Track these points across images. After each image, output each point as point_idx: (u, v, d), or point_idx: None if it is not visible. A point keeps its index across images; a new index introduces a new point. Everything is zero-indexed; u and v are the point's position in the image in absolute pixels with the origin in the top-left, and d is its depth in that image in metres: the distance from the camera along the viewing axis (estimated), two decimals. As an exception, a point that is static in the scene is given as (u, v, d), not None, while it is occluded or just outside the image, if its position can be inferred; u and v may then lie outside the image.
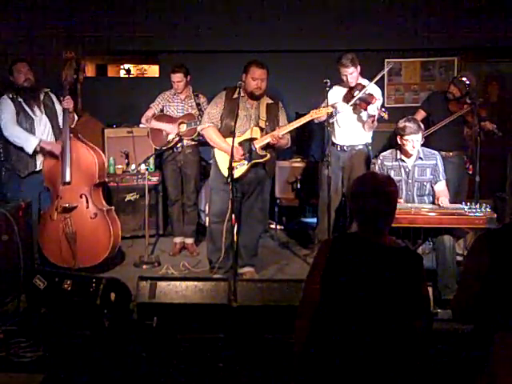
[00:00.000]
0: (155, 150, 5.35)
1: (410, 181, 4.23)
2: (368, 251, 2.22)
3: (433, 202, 4.21)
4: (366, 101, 4.57)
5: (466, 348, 2.28)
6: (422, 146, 4.28)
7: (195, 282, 3.74)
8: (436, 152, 4.33)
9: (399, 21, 6.20)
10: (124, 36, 6.39)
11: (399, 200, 4.04)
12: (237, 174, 4.26)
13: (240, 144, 4.33)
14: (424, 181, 4.23)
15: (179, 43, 6.34)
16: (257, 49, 5.92)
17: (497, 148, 5.69)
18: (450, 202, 4.18)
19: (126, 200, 5.69)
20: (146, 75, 8.42)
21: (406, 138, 4.12)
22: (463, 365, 2.28)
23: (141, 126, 5.60)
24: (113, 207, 4.93)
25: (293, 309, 2.38)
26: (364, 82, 4.70)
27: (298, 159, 5.95)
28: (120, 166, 5.80)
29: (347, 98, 4.71)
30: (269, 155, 4.40)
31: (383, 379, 2.13)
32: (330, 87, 4.49)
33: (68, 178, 4.58)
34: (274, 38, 6.18)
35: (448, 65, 6.51)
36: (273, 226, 6.01)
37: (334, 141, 4.81)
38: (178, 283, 3.73)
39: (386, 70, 4.95)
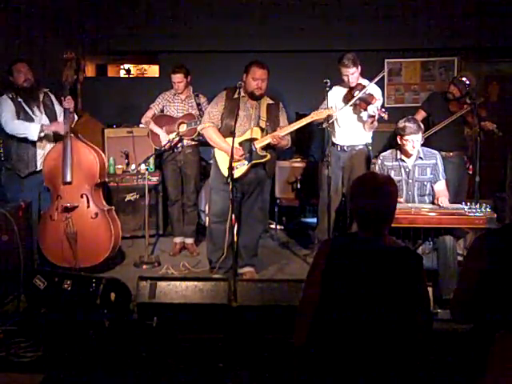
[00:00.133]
0: (155, 149, 5.35)
1: (410, 181, 4.23)
2: (368, 251, 2.22)
3: (432, 202, 4.21)
4: (366, 101, 4.57)
5: (466, 348, 2.28)
6: (422, 145, 4.28)
7: (195, 282, 3.74)
8: (436, 152, 4.33)
9: (399, 21, 6.21)
10: (124, 36, 6.40)
11: (399, 200, 4.04)
12: (237, 174, 4.26)
13: (240, 144, 4.33)
14: (424, 180, 4.23)
15: (179, 43, 6.35)
16: (257, 49, 5.93)
17: (497, 148, 5.70)
18: (450, 202, 4.18)
19: (125, 200, 5.69)
20: (145, 75, 8.44)
21: (406, 137, 4.12)
22: (463, 365, 2.28)
23: (141, 126, 5.60)
24: (113, 207, 4.94)
25: (293, 309, 2.39)
26: (364, 82, 4.70)
27: (298, 159, 5.95)
28: (120, 166, 5.80)
29: (347, 98, 4.71)
30: (269, 155, 4.40)
31: (383, 379, 2.13)
32: (330, 87, 4.49)
33: (69, 178, 4.59)
34: (274, 38, 6.19)
35: (448, 65, 6.52)
36: (273, 226, 6.01)
37: (334, 141, 4.81)
38: (177, 283, 3.73)
39: (385, 71, 4.94)
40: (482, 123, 4.92)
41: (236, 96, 4.28)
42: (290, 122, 4.58)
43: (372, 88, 4.69)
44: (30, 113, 4.63)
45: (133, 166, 5.75)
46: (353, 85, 4.66)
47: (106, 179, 5.10)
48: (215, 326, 3.55)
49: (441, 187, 4.25)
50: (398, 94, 6.61)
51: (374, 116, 4.54)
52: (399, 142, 4.20)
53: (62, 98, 4.64)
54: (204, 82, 5.52)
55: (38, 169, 4.66)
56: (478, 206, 3.95)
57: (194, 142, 5.18)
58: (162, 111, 5.24)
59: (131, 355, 3.33)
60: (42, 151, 4.67)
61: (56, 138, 4.73)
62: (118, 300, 3.74)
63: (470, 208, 3.94)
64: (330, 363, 2.16)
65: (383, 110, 4.57)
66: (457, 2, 6.15)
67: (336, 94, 4.75)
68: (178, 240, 5.42)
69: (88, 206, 4.65)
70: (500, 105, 6.41)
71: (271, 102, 4.46)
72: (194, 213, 5.41)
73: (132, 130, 5.87)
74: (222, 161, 4.38)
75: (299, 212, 6.33)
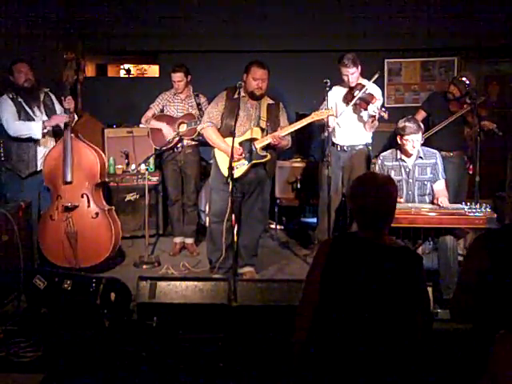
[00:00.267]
0: (155, 149, 5.35)
1: (410, 180, 4.24)
2: (368, 251, 2.22)
3: (432, 202, 4.21)
4: (366, 100, 4.57)
5: (466, 348, 2.28)
6: (422, 145, 4.29)
7: (195, 282, 3.74)
8: (436, 151, 4.34)
9: (399, 21, 6.20)
10: (124, 36, 6.39)
11: (399, 200, 4.04)
12: (237, 174, 4.26)
13: (240, 144, 4.33)
14: (424, 180, 4.23)
15: (179, 43, 6.35)
16: (257, 49, 5.93)
17: (497, 148, 5.69)
18: (451, 202, 4.18)
19: (125, 200, 5.69)
20: (145, 75, 8.43)
21: (406, 137, 4.12)
22: (463, 365, 2.28)
23: (141, 126, 5.60)
24: (113, 207, 4.94)
25: (293, 309, 2.38)
26: (364, 82, 4.70)
27: (298, 159, 5.95)
28: (120, 166, 5.80)
29: (347, 98, 4.71)
30: (269, 156, 4.40)
31: (383, 379, 2.13)
32: (330, 87, 4.48)
33: (69, 178, 4.59)
34: (274, 38, 6.18)
35: (448, 65, 6.51)
36: (273, 226, 6.01)
37: (334, 141, 4.81)
38: (177, 283, 3.73)
39: (383, 71, 4.92)
40: (482, 123, 4.93)
41: (236, 96, 4.28)
42: (290, 122, 4.58)
43: (372, 88, 4.69)
44: (31, 113, 4.63)
45: (133, 166, 5.75)
46: (353, 85, 4.66)
47: (106, 179, 5.10)
48: (215, 326, 3.55)
49: (440, 187, 4.26)
50: (398, 94, 6.61)
51: (374, 116, 4.54)
52: (399, 142, 4.20)
53: (63, 98, 4.65)
54: (204, 82, 5.52)
55: (39, 169, 4.66)
56: (477, 206, 3.95)
57: (193, 142, 5.18)
58: (162, 111, 5.24)
59: (131, 355, 3.33)
60: (43, 151, 4.67)
61: (56, 137, 4.73)
62: (118, 300, 3.74)
63: (470, 208, 3.95)
64: (329, 363, 2.16)
65: (383, 109, 4.57)
66: (457, 2, 6.15)
67: (336, 93, 4.75)
68: (177, 240, 5.42)
69: (88, 206, 4.66)
70: (500, 105, 6.40)
71: (271, 102, 4.46)
72: (194, 213, 5.40)
73: (132, 129, 5.87)
74: (222, 161, 4.38)
75: (299, 212, 6.33)
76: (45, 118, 4.70)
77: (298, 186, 5.78)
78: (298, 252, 5.42)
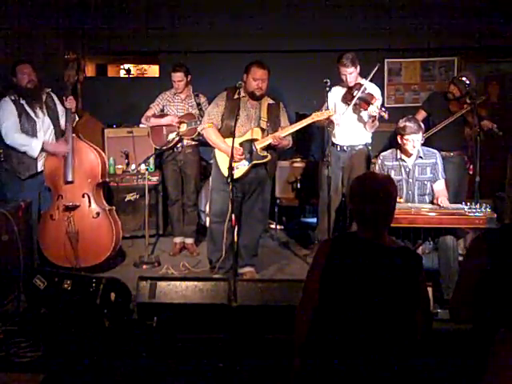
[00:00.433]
0: (155, 149, 5.35)
1: (410, 180, 4.24)
2: (367, 251, 2.22)
3: (431, 202, 4.21)
4: (366, 100, 4.57)
5: (466, 348, 2.28)
6: (422, 145, 4.29)
7: (195, 282, 3.74)
8: (436, 151, 4.34)
9: (399, 21, 6.20)
10: (124, 36, 6.39)
11: (399, 200, 4.04)
12: (238, 174, 4.27)
13: (241, 144, 4.33)
14: (424, 180, 4.23)
15: (179, 43, 6.34)
16: (257, 49, 5.92)
17: (497, 148, 5.69)
18: (451, 202, 4.18)
19: (125, 200, 5.69)
20: (146, 75, 8.43)
21: (406, 137, 4.12)
22: (463, 365, 2.28)
23: (141, 125, 5.60)
24: (114, 207, 4.94)
25: (293, 309, 2.38)
26: (363, 81, 4.69)
27: (298, 159, 5.95)
28: (120, 166, 5.80)
29: (347, 98, 4.71)
30: (270, 156, 4.40)
31: (383, 379, 2.13)
32: (330, 88, 4.48)
33: (70, 178, 4.59)
34: (274, 38, 6.18)
35: (448, 65, 6.52)
36: (273, 226, 6.01)
37: (334, 141, 4.81)
38: (178, 283, 3.73)
39: (379, 67, 4.86)
40: (482, 123, 4.93)
41: (236, 96, 4.28)
42: (291, 121, 4.58)
43: (371, 87, 4.69)
44: (33, 115, 4.62)
45: (133, 166, 5.75)
46: (351, 84, 4.66)
47: (107, 179, 5.10)
48: (215, 326, 3.55)
49: (440, 187, 4.26)
50: (398, 94, 6.61)
51: (374, 116, 4.54)
52: (399, 142, 4.20)
53: (64, 98, 4.65)
54: (204, 82, 5.52)
55: (39, 170, 4.66)
56: (477, 206, 3.95)
57: (194, 142, 5.18)
58: (162, 111, 5.24)
59: (131, 355, 3.33)
60: (43, 153, 4.66)
61: (57, 138, 4.73)
62: (118, 300, 3.74)
63: (470, 208, 3.95)
64: (330, 363, 2.16)
65: (383, 109, 4.57)
66: (457, 2, 6.15)
67: (335, 93, 4.75)
68: (178, 240, 5.42)
69: (89, 206, 4.66)
70: (500, 105, 6.40)
71: (272, 102, 4.46)
72: (194, 213, 5.40)
73: (132, 129, 5.87)
74: (222, 161, 4.38)
75: (299, 212, 6.33)
76: (47, 119, 4.69)
77: (298, 186, 5.78)
78: (298, 252, 5.42)
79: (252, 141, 4.36)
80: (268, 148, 4.39)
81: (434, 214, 3.97)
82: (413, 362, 2.19)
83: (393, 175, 4.16)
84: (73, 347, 3.38)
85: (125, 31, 6.34)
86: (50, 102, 4.75)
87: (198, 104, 5.17)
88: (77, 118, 4.86)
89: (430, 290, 3.19)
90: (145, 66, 8.47)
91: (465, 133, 5.14)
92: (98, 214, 4.67)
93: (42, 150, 4.59)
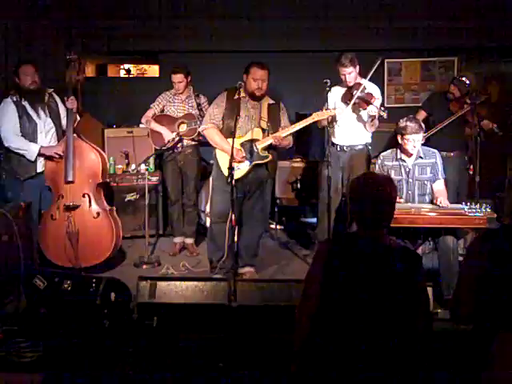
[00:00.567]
0: (155, 149, 5.35)
1: (410, 180, 4.24)
2: (367, 251, 2.22)
3: (431, 202, 4.21)
4: (366, 100, 4.56)
5: (466, 348, 2.28)
6: (422, 145, 4.29)
7: (195, 282, 3.74)
8: (436, 150, 4.34)
9: (399, 21, 6.20)
10: (124, 36, 6.39)
11: (399, 200, 4.04)
12: (239, 174, 4.27)
13: (242, 145, 4.33)
14: (424, 179, 4.23)
15: (179, 43, 6.34)
16: (257, 49, 5.93)
17: (497, 148, 5.69)
18: (451, 202, 4.18)
19: (126, 200, 5.69)
20: (146, 75, 8.41)
21: (407, 137, 4.12)
22: (463, 365, 2.28)
23: (141, 126, 5.60)
24: (114, 207, 4.94)
25: (293, 309, 2.38)
26: (362, 81, 4.69)
27: (298, 159, 5.95)
28: (120, 166, 5.80)
29: (347, 98, 4.70)
30: (271, 156, 4.40)
31: (383, 378, 2.13)
32: (330, 88, 4.48)
33: (71, 177, 4.59)
34: (274, 38, 6.18)
35: (448, 65, 6.52)
36: (273, 226, 6.01)
37: (334, 141, 4.80)
38: (178, 283, 3.73)
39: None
40: (482, 122, 4.93)
41: (237, 97, 4.28)
42: (291, 121, 4.58)
43: (370, 87, 4.69)
44: (35, 116, 4.62)
45: (133, 166, 5.76)
46: (350, 84, 4.66)
47: (108, 179, 5.10)
48: (215, 326, 3.55)
49: (440, 187, 4.25)
50: (398, 94, 6.61)
51: (374, 115, 4.54)
52: (400, 142, 4.20)
53: (66, 98, 4.65)
54: (204, 82, 5.52)
55: (39, 171, 4.66)
56: (477, 206, 3.95)
57: (194, 142, 5.18)
58: (163, 111, 5.24)
59: (131, 355, 3.33)
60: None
61: (59, 138, 4.73)
62: (118, 300, 3.74)
63: (470, 208, 3.95)
64: (330, 362, 2.16)
65: (382, 108, 4.57)
66: (457, 2, 6.15)
67: (335, 93, 4.75)
68: (178, 240, 5.42)
69: (90, 206, 4.66)
70: (500, 105, 6.40)
71: (272, 102, 4.46)
72: (194, 213, 5.41)
73: (132, 129, 5.88)
74: (223, 161, 4.38)
75: (299, 212, 6.33)
76: (49, 120, 4.70)
77: (298, 186, 5.78)
78: (298, 252, 5.42)
79: (253, 141, 4.37)
80: (269, 148, 4.39)
81: (434, 213, 3.97)
82: (413, 362, 2.18)
83: (393, 175, 4.16)
84: (73, 347, 3.38)
85: (125, 31, 6.34)
86: (52, 103, 4.75)
87: (199, 104, 5.17)
88: (78, 118, 4.86)
89: (429, 290, 3.20)
90: (145, 66, 8.46)
91: (465, 133, 5.14)
92: (98, 214, 4.67)
93: (40, 154, 4.59)
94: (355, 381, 2.13)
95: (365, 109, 4.58)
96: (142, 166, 5.34)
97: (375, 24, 6.17)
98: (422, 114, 5.16)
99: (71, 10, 6.16)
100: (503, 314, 2.12)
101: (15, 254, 4.02)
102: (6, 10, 5.32)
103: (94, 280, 3.73)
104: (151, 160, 5.61)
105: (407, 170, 4.23)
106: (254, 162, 4.36)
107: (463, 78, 5.03)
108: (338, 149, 4.83)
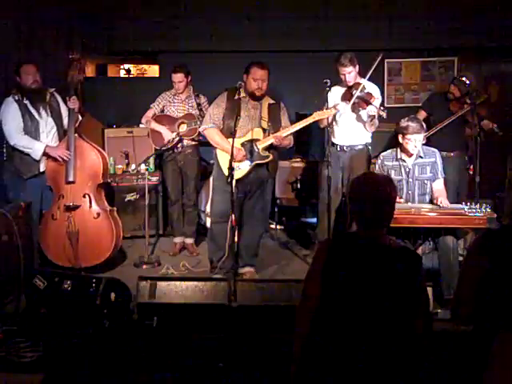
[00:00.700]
0: (155, 149, 5.35)
1: (410, 180, 4.24)
2: (367, 251, 2.22)
3: (430, 201, 4.21)
4: (365, 100, 4.56)
5: (467, 348, 2.28)
6: (422, 145, 4.28)
7: (195, 282, 3.74)
8: (435, 150, 4.34)
9: (400, 21, 6.20)
10: (124, 36, 6.39)
11: (399, 200, 4.04)
12: (239, 174, 4.27)
13: (242, 145, 4.33)
14: (424, 179, 4.23)
15: (179, 43, 6.35)
16: (257, 49, 5.93)
17: (497, 148, 5.69)
18: (451, 202, 4.18)
19: (126, 200, 5.69)
20: (146, 75, 8.42)
21: (408, 137, 4.12)
22: (463, 365, 2.28)
23: (141, 126, 5.60)
24: (115, 208, 4.94)
25: (293, 309, 2.38)
26: (362, 81, 4.69)
27: (298, 159, 5.95)
28: (120, 166, 5.80)
29: (346, 97, 4.70)
30: (271, 156, 4.40)
31: (383, 380, 2.13)
32: (330, 87, 4.48)
33: (72, 178, 4.59)
34: (274, 38, 6.18)
35: (448, 65, 6.52)
36: (273, 226, 6.01)
37: (334, 141, 4.80)
38: (178, 283, 3.73)
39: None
40: (482, 122, 4.93)
41: (237, 97, 4.28)
42: (291, 121, 4.58)
43: (370, 87, 4.69)
44: (36, 115, 4.62)
45: (133, 166, 5.76)
46: (350, 84, 4.66)
47: (109, 180, 5.10)
48: (215, 326, 3.55)
49: (439, 186, 4.25)
50: (398, 94, 6.62)
51: (373, 115, 4.54)
52: (401, 141, 4.20)
53: (67, 98, 4.65)
54: (204, 82, 5.51)
55: (42, 170, 4.66)
56: (477, 206, 3.95)
57: (194, 142, 5.18)
58: (163, 111, 5.24)
59: (131, 355, 3.33)
60: None
61: (60, 138, 4.74)
62: (118, 300, 3.74)
63: (470, 208, 3.94)
64: (330, 362, 2.16)
65: (382, 108, 4.57)
66: (457, 2, 6.15)
67: (335, 93, 4.75)
68: (178, 240, 5.42)
69: (90, 207, 4.66)
70: (500, 105, 6.40)
71: (272, 101, 4.46)
72: (194, 213, 5.41)
73: (132, 129, 5.88)
74: (224, 161, 4.37)
75: (299, 212, 6.32)
76: (50, 119, 4.69)
77: (298, 186, 5.78)
78: (298, 252, 5.42)
79: (253, 141, 4.36)
80: (269, 148, 4.39)
81: (434, 214, 3.97)
82: (413, 362, 2.18)
83: (393, 175, 4.16)
84: (73, 347, 3.38)
85: (125, 31, 6.34)
86: (53, 103, 4.75)
87: (198, 104, 5.17)
88: (80, 118, 4.85)
89: (429, 290, 3.20)
90: (145, 66, 8.46)
91: (465, 133, 5.14)
92: (98, 214, 4.67)
93: (44, 153, 4.59)
94: (355, 381, 2.13)
95: (364, 108, 4.58)
96: (142, 166, 5.34)
97: (375, 24, 6.17)
98: (422, 114, 5.16)
99: (71, 10, 6.17)
100: (504, 315, 2.12)
101: (15, 254, 4.02)
102: (6, 10, 5.31)
103: (94, 280, 3.73)
104: (151, 160, 5.61)
105: (407, 170, 4.23)
106: (254, 162, 4.36)
107: (463, 78, 5.03)
108: (338, 149, 4.83)
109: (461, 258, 4.34)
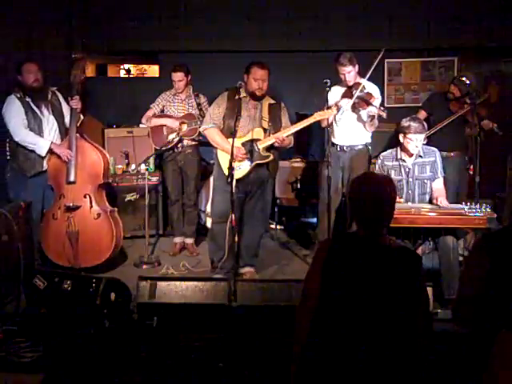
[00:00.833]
0: (155, 149, 5.35)
1: (410, 179, 4.23)
2: (367, 251, 2.22)
3: (430, 201, 4.21)
4: (365, 100, 4.56)
5: (467, 348, 2.28)
6: (422, 144, 4.28)
7: (195, 282, 3.74)
8: (435, 149, 4.34)
9: (400, 21, 6.20)
10: (124, 36, 6.39)
11: (399, 200, 4.04)
12: (240, 174, 4.27)
13: (243, 145, 4.33)
14: (424, 178, 4.23)
15: (179, 43, 6.34)
16: (257, 49, 5.93)
17: (497, 148, 5.69)
18: (450, 202, 4.18)
19: (126, 200, 5.69)
20: (146, 75, 8.42)
21: (409, 136, 4.12)
22: (463, 365, 2.28)
23: (141, 125, 5.60)
24: (116, 208, 4.94)
25: (293, 309, 2.38)
26: (362, 81, 4.69)
27: (298, 159, 5.94)
28: (120, 166, 5.80)
29: (347, 97, 4.70)
30: (272, 156, 4.40)
31: (383, 380, 2.13)
32: (330, 87, 4.48)
33: (73, 178, 4.59)
34: (274, 38, 6.18)
35: (448, 65, 6.52)
36: (273, 226, 6.00)
37: (334, 141, 4.80)
38: (178, 283, 3.73)
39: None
40: (482, 122, 4.93)
41: (237, 97, 4.28)
42: (291, 121, 4.58)
43: (370, 86, 4.69)
44: (38, 112, 4.62)
45: (133, 166, 5.76)
46: (350, 83, 4.66)
47: (110, 180, 5.10)
48: (215, 326, 3.55)
49: (439, 185, 4.25)
50: (398, 94, 6.61)
51: (373, 115, 4.54)
52: (401, 141, 4.19)
53: (70, 98, 4.65)
54: (204, 82, 5.51)
55: (44, 169, 4.66)
56: (477, 206, 3.95)
57: (194, 142, 5.18)
58: (163, 111, 5.24)
59: (131, 355, 3.33)
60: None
61: (62, 137, 4.73)
62: (118, 300, 3.74)
63: (470, 208, 3.94)
64: (330, 362, 2.16)
65: (381, 108, 4.57)
66: (457, 2, 6.15)
67: (335, 93, 4.75)
68: (178, 240, 5.42)
69: (91, 207, 4.67)
70: (500, 105, 6.40)
71: (273, 101, 4.46)
72: (194, 213, 5.41)
73: (132, 129, 5.88)
74: (224, 161, 4.37)
75: (299, 212, 6.32)
76: (51, 117, 4.69)
77: (298, 186, 5.78)
78: (298, 252, 5.42)
79: (254, 141, 4.36)
80: (270, 148, 4.39)
81: (434, 213, 3.97)
82: (413, 362, 2.18)
83: (393, 175, 4.16)
84: (73, 347, 3.38)
85: (125, 31, 6.34)
86: (55, 101, 4.75)
87: (198, 104, 5.17)
88: (82, 118, 4.85)
89: (429, 290, 3.20)
90: (145, 66, 8.46)
91: (465, 133, 5.14)
92: (98, 215, 4.67)
93: (50, 150, 4.58)
94: (355, 381, 2.13)
95: (364, 108, 4.58)
96: (142, 166, 5.34)
97: (375, 24, 6.17)
98: (422, 114, 5.16)
99: (71, 10, 6.17)
100: (504, 315, 2.12)
101: (15, 254, 4.02)
102: (6, 10, 5.32)
103: (94, 280, 3.73)
104: (151, 160, 5.61)
105: (407, 169, 4.23)
106: (255, 162, 4.36)
107: (463, 78, 5.03)
108: (338, 149, 4.83)
109: (461, 258, 4.34)
